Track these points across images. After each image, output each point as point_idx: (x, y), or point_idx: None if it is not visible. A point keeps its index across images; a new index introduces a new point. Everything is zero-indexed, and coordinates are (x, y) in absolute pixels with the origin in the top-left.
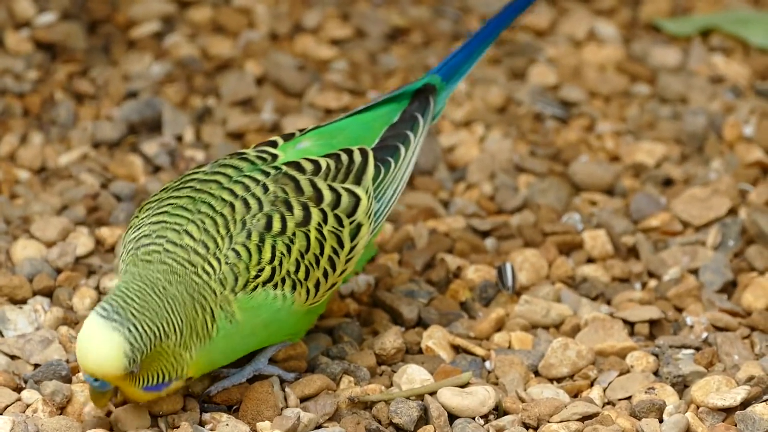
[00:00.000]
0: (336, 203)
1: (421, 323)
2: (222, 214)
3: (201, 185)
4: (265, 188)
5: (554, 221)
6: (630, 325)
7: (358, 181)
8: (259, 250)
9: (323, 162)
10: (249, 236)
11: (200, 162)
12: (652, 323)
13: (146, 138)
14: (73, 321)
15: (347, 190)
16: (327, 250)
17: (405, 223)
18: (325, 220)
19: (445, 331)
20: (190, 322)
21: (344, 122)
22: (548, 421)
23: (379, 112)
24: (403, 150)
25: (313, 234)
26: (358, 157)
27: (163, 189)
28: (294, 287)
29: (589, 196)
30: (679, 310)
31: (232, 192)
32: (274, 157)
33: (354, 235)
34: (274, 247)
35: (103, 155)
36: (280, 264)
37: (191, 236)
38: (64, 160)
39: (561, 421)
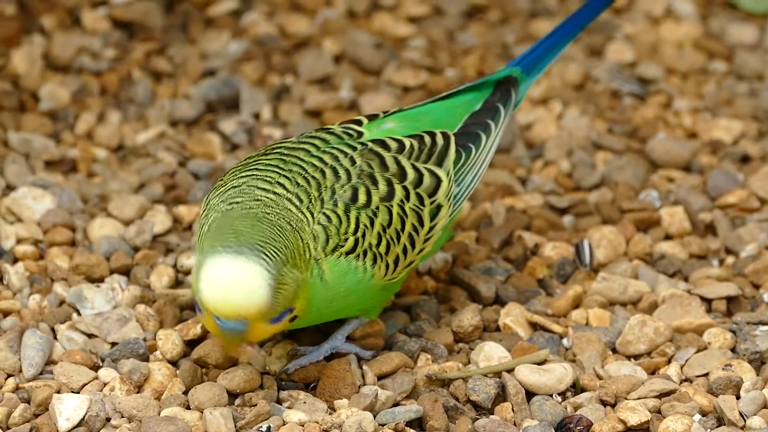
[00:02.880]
0: (418, 182)
1: (499, 301)
2: (314, 177)
3: (289, 152)
4: (353, 161)
5: (632, 198)
6: (707, 301)
7: (439, 164)
8: (346, 220)
9: (407, 142)
10: (336, 205)
11: (278, 140)
12: (730, 300)
13: (224, 116)
14: (151, 299)
15: (429, 170)
16: (408, 227)
17: (482, 201)
18: (408, 197)
19: (522, 309)
20: (295, 248)
21: (428, 107)
22: (626, 398)
23: (461, 100)
24: (484, 138)
25: (395, 209)
26: (440, 140)
27: (248, 157)
28: (375, 260)
29: (666, 173)
30: (757, 286)
31: (321, 160)
32: (360, 134)
33: (434, 215)
34: (358, 219)
35: (181, 133)
36: (363, 236)
37: (284, 187)
38: (142, 138)
39: (638, 398)
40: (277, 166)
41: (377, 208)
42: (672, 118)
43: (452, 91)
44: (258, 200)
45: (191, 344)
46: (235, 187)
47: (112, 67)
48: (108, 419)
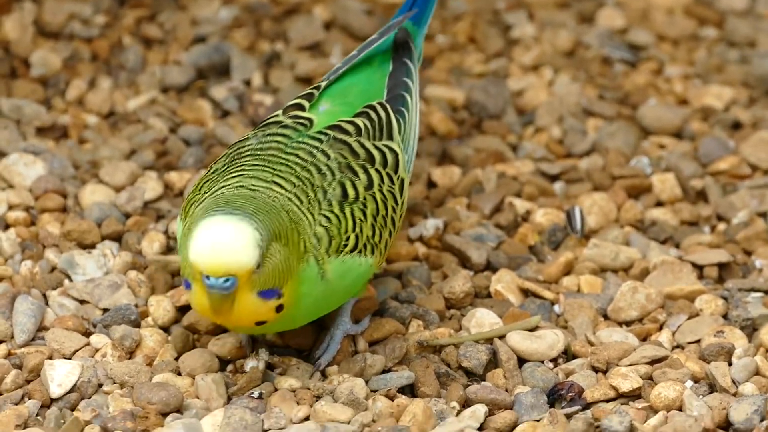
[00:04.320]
0: (384, 162)
1: (490, 267)
2: (305, 176)
3: (263, 153)
4: (326, 154)
5: (623, 165)
6: (699, 268)
7: (390, 137)
8: (344, 218)
9: (360, 122)
10: (330, 204)
11: (269, 106)
12: (721, 266)
13: (215, 82)
14: (142, 266)
15: (387, 147)
16: (389, 210)
17: (473, 167)
18: (383, 180)
19: (513, 275)
20: (289, 234)
21: (348, 79)
22: (617, 365)
23: (373, 65)
24: (409, 98)
25: (378, 196)
26: (382, 113)
27: (212, 171)
28: (373, 251)
29: (657, 139)
30: (748, 253)
31: (299, 157)
32: (310, 122)
33: (401, 190)
34: (353, 215)
35: (172, 100)
36: (361, 230)
37: (281, 186)
38: (133, 104)
39: (630, 365)
40: (263, 167)
41: (365, 198)
42: (663, 84)
43: (355, 57)
44: (255, 190)
45: (183, 310)
46: (224, 186)
47: (103, 34)
48: (100, 385)
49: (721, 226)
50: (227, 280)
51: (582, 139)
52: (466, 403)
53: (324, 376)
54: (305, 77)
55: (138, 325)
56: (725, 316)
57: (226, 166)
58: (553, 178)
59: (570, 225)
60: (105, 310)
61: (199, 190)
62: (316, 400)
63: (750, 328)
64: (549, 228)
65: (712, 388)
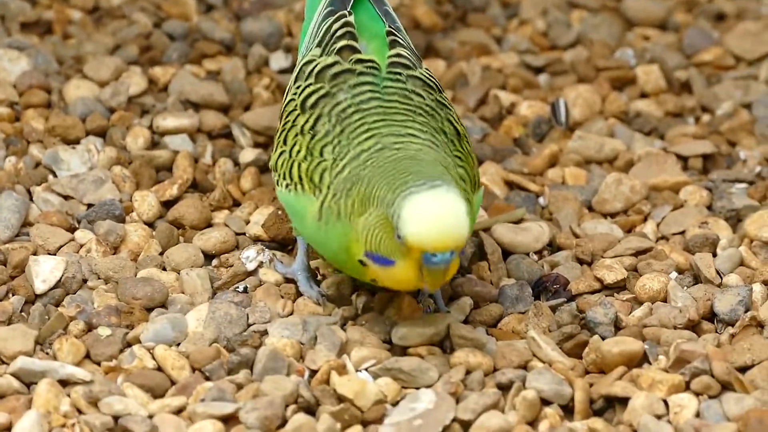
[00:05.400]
0: (440, 87)
1: None
2: (422, 122)
3: (368, 107)
4: (419, 95)
5: (607, 57)
6: (683, 159)
7: (420, 63)
8: (468, 155)
9: (406, 54)
10: (453, 144)
11: (253, 1)
12: (706, 157)
13: None
14: (127, 161)
15: (428, 73)
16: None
17: (458, 60)
18: (450, 107)
19: (498, 167)
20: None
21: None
22: (602, 257)
23: None
24: (391, 10)
25: (456, 124)
26: (403, 37)
27: (309, 132)
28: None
29: (642, 31)
30: (732, 144)
31: (401, 103)
32: (377, 64)
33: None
34: (468, 150)
35: None
36: (474, 163)
37: (416, 137)
38: None
39: (615, 257)
40: (386, 122)
41: (464, 128)
42: None
43: None
44: (401, 149)
45: (167, 205)
46: (364, 151)
47: None
48: (84, 281)
49: (706, 117)
50: (452, 253)
51: (566, 32)
52: (451, 297)
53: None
54: None
55: (123, 221)
56: (710, 207)
57: (339, 126)
58: (538, 71)
59: (555, 117)
60: (89, 206)
61: (320, 155)
62: (301, 295)
63: (734, 219)
64: (534, 120)
65: (697, 279)
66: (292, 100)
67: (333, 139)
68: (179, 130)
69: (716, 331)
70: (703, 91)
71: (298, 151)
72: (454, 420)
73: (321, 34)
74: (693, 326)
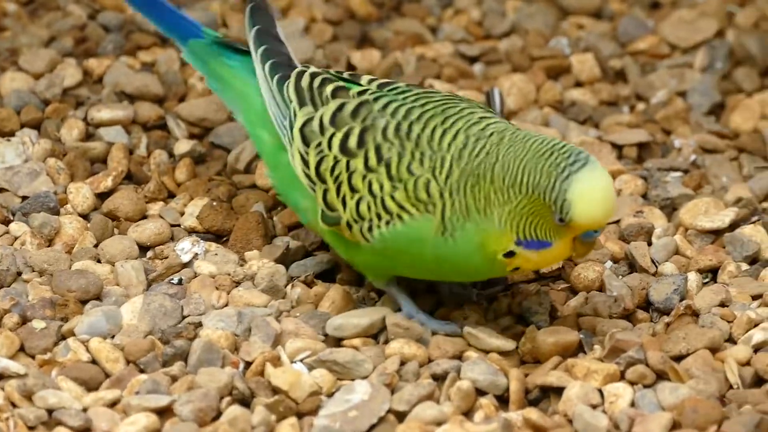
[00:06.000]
0: None
1: None
2: (466, 104)
3: (410, 115)
4: (424, 89)
5: (542, 46)
6: (618, 148)
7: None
8: None
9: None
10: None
11: None
12: (641, 146)
13: None
14: (61, 153)
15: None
16: None
17: (393, 50)
18: None
19: None
20: None
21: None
22: None
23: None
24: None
25: None
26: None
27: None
28: None
29: (576, 19)
30: (667, 132)
31: (432, 99)
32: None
33: None
34: None
35: None
36: None
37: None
38: None
39: None
40: (450, 116)
41: None
42: None
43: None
44: (490, 133)
45: (102, 197)
46: (461, 147)
47: None
48: (19, 273)
49: (641, 106)
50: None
51: (501, 21)
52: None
53: (244, 261)
54: None
55: (57, 213)
56: (644, 196)
57: (409, 143)
58: (473, 60)
59: (490, 106)
60: (24, 198)
61: (410, 173)
62: (236, 286)
63: (669, 208)
64: None
65: (632, 268)
66: (323, 158)
67: (411, 155)
68: (114, 122)
69: (651, 320)
70: (637, 80)
71: (381, 186)
72: (389, 411)
73: (296, 97)
74: (628, 315)
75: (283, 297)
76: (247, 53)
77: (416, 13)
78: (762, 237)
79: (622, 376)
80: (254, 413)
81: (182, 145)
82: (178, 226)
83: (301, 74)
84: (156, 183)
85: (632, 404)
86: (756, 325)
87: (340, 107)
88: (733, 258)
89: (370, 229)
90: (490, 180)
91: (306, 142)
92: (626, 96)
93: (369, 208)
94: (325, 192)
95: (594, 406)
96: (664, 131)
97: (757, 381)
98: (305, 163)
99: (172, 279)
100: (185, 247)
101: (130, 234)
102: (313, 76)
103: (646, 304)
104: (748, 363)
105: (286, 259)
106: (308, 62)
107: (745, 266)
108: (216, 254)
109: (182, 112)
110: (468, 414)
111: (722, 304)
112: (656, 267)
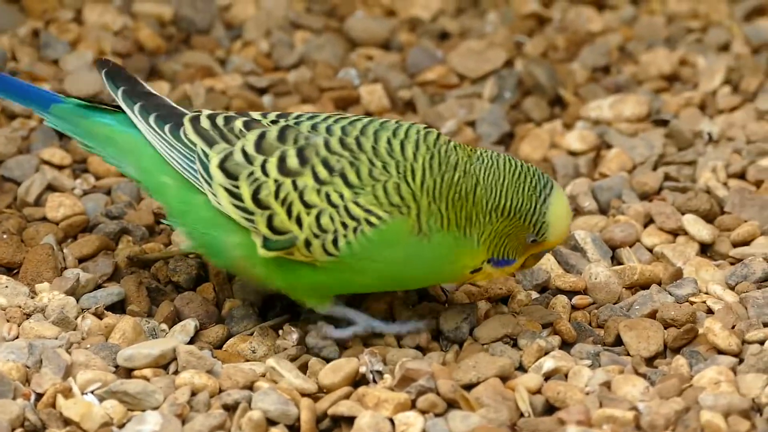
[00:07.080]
0: None
1: None
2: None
3: (351, 127)
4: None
5: (331, 77)
6: None
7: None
8: None
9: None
10: None
11: None
12: None
13: None
14: None
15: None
16: None
17: (182, 82)
18: None
19: None
20: None
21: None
22: None
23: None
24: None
25: None
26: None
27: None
28: None
29: (365, 51)
30: None
31: (354, 119)
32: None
33: None
34: None
35: None
36: None
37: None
38: None
39: None
40: (391, 128)
41: None
42: None
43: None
44: (453, 147)
45: None
46: (427, 158)
47: None
48: None
49: None
50: None
51: (290, 52)
52: (177, 317)
53: (34, 293)
54: None
55: None
56: None
57: (362, 153)
58: (262, 91)
59: None
60: None
61: (373, 178)
62: (27, 318)
63: None
64: None
65: (422, 297)
66: (260, 185)
67: (371, 162)
68: None
69: (442, 349)
70: (426, 110)
71: (341, 195)
72: None
73: (199, 140)
74: (418, 344)
75: (74, 329)
76: (118, 110)
77: (205, 46)
78: (552, 265)
79: (413, 405)
80: None
81: None
82: None
83: (196, 118)
84: None
85: None
86: (546, 353)
87: (262, 135)
88: (523, 286)
89: (335, 241)
90: (473, 202)
91: (231, 176)
92: None
93: (332, 219)
94: (270, 217)
95: None
96: None
97: (548, 409)
98: (235, 196)
99: None
100: None
101: None
102: (212, 117)
103: (437, 334)
104: (538, 391)
105: (76, 291)
106: (96, 96)
107: (535, 294)
108: (6, 287)
109: None
110: None
111: (512, 333)
112: (446, 296)
